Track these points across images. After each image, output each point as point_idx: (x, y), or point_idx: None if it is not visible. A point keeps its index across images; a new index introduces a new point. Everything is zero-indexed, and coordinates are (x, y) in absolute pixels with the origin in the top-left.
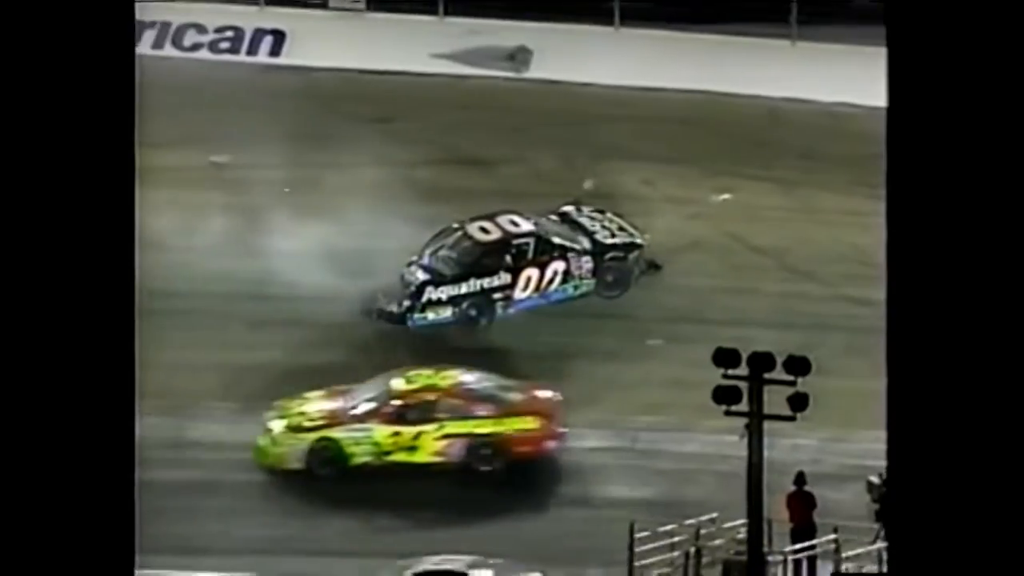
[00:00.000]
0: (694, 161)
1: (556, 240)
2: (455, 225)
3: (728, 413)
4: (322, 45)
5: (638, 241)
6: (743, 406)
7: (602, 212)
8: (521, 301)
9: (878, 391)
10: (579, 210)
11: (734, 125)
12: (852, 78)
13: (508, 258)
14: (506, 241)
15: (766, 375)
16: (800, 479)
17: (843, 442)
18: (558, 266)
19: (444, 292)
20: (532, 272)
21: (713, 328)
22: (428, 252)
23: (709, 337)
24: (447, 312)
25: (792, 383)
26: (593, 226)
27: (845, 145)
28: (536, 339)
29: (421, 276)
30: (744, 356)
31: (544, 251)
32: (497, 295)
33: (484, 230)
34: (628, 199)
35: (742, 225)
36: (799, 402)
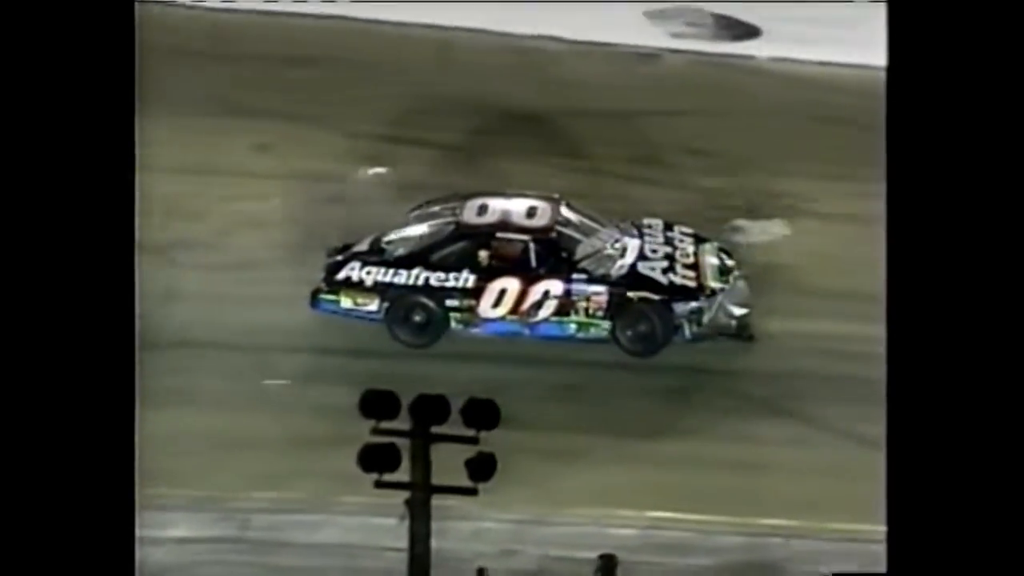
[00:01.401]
0: (330, 120)
1: (566, 251)
2: (453, 203)
3: (380, 485)
4: None
5: (696, 286)
6: (403, 474)
7: (700, 240)
8: (491, 322)
9: (594, 450)
10: (668, 227)
11: (388, 67)
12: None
13: (483, 256)
14: (490, 232)
15: (436, 428)
16: None
17: (546, 525)
18: (550, 286)
19: (372, 274)
20: (510, 284)
21: (365, 361)
22: (406, 223)
23: (357, 374)
24: (372, 304)
25: (473, 440)
26: (653, 251)
27: (543, 97)
28: None
29: (364, 247)
30: (405, 401)
31: (543, 261)
32: (452, 302)
33: (482, 210)
34: (226, 175)
35: (401, 209)
36: (483, 468)
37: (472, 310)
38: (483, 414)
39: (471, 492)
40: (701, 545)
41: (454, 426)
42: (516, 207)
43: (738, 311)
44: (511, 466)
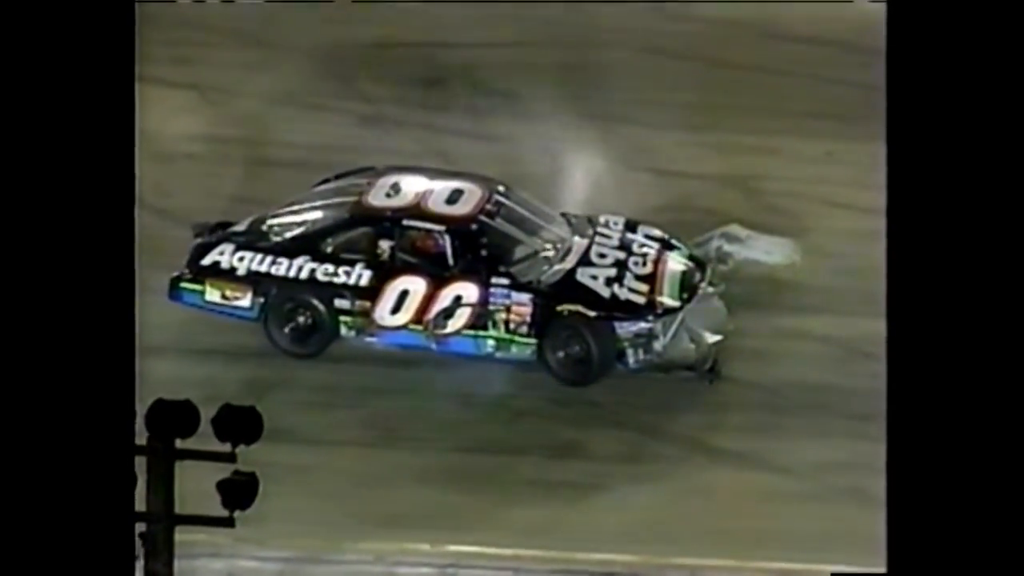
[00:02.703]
0: None
1: (490, 248)
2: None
3: None
4: None
5: (646, 302)
6: (138, 500)
7: (668, 246)
8: (393, 332)
9: (381, 468)
10: (631, 227)
11: None
12: None
13: (385, 248)
14: (395, 219)
15: (181, 443)
16: None
17: (321, 563)
18: (463, 290)
19: (246, 261)
20: (414, 285)
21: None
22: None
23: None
24: (244, 298)
25: (229, 457)
26: (601, 255)
27: (324, 28)
28: None
29: (241, 228)
30: (141, 409)
31: (459, 260)
32: (343, 304)
33: (394, 189)
34: None
35: None
36: (241, 491)
37: (367, 314)
38: (241, 424)
39: (226, 523)
40: None
41: (205, 439)
42: (437, 188)
43: (712, 338)
44: (276, 489)
